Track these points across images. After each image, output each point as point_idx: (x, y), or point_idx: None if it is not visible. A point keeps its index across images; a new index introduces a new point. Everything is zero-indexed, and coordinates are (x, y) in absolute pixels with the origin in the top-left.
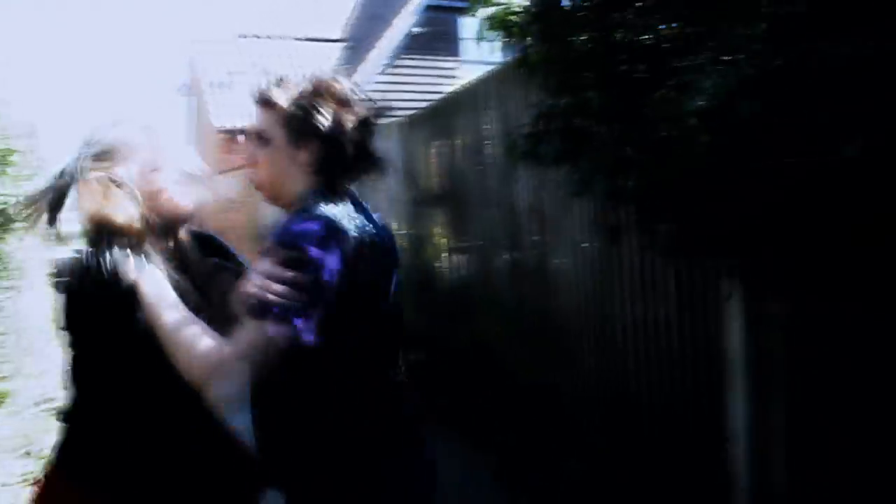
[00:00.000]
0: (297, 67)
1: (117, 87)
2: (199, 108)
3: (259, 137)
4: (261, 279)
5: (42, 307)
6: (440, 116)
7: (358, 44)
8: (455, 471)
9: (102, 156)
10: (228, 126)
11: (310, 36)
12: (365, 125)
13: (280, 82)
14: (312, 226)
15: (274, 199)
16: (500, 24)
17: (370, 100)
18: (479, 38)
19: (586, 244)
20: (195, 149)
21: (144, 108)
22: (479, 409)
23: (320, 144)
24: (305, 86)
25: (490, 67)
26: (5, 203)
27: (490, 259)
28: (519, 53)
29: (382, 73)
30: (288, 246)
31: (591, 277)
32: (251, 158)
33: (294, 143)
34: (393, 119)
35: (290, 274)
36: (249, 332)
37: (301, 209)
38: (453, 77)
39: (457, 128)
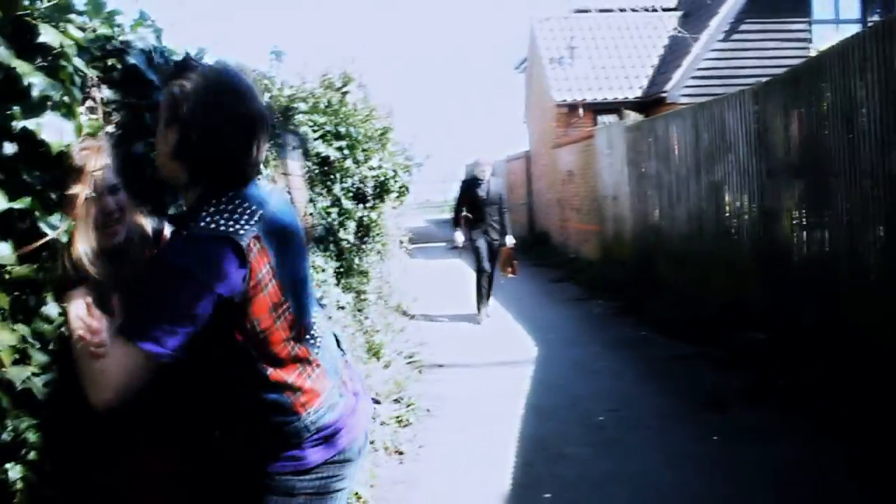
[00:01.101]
0: (633, 39)
1: (458, 66)
2: (537, 83)
3: (157, 117)
4: (138, 300)
5: (396, 268)
6: (800, 81)
7: (695, 11)
8: (800, 462)
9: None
10: (568, 100)
11: (647, 6)
12: (248, 122)
13: (177, 68)
14: (199, 246)
15: (168, 177)
16: None
17: (264, 99)
18: None
19: None
20: (530, 124)
21: (483, 85)
22: (832, 392)
23: (180, 131)
24: (190, 74)
25: (847, 26)
26: (384, 175)
27: (861, 233)
28: None
29: (724, 39)
30: (169, 267)
31: None
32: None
33: (165, 125)
34: (737, 87)
35: (164, 293)
36: (121, 354)
37: (190, 229)
38: (803, 40)
39: (821, 93)
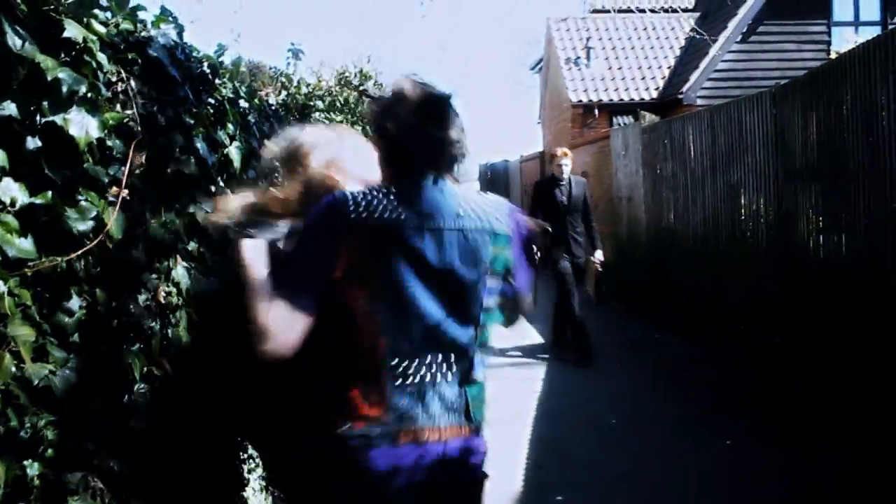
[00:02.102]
0: (650, 40)
1: (474, 65)
2: (552, 83)
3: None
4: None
5: None
6: (820, 84)
7: (713, 12)
8: (815, 469)
9: (290, 152)
10: (584, 101)
11: (664, 6)
12: (428, 118)
13: (372, 86)
14: (319, 205)
15: None
16: None
17: (432, 93)
18: None
19: None
20: (544, 124)
21: (498, 85)
22: (853, 395)
23: (384, 142)
24: (378, 91)
25: (867, 28)
26: None
27: (882, 236)
28: None
29: (742, 41)
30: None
31: None
32: None
33: (374, 141)
34: (754, 89)
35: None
36: (272, 304)
37: None
38: (823, 42)
39: (842, 95)
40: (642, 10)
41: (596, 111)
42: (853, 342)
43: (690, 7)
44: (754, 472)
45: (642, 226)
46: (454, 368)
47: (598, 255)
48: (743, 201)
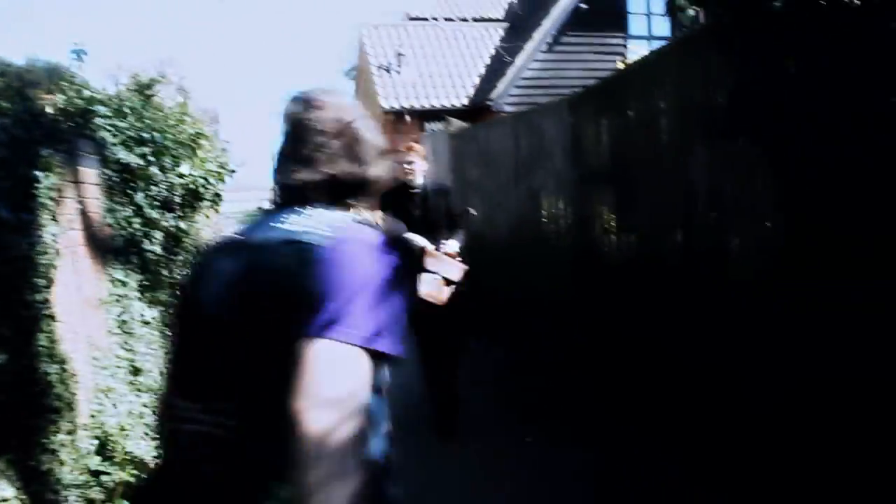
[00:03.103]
0: (461, 48)
1: (286, 70)
2: (365, 90)
3: None
4: None
5: None
6: (609, 93)
7: (522, 22)
8: (621, 465)
9: None
10: (396, 107)
11: (475, 16)
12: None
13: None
14: None
15: None
16: None
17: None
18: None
19: (769, 223)
20: None
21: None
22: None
23: None
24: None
25: (658, 43)
26: (194, 183)
27: (661, 239)
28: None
29: (547, 50)
30: None
31: (773, 256)
32: None
33: None
34: (558, 96)
35: None
36: None
37: None
38: (620, 53)
39: (628, 104)
40: (453, 20)
41: (407, 117)
42: (644, 337)
43: (499, 18)
44: (560, 472)
45: None
46: None
47: (452, 244)
48: (544, 205)
